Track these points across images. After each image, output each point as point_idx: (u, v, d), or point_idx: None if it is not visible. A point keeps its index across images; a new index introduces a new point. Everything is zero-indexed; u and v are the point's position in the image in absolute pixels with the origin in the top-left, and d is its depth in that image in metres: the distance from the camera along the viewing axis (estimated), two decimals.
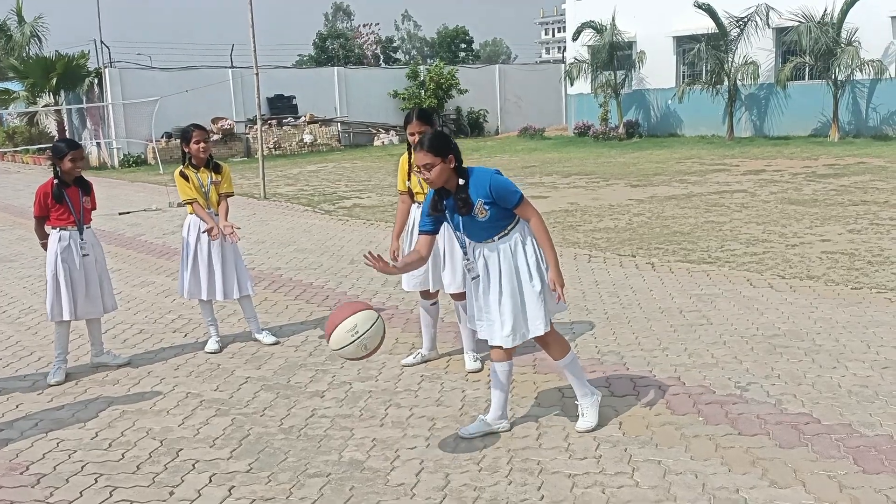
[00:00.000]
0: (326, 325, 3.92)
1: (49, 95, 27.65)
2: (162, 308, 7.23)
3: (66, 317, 5.43)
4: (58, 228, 5.45)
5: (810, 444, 3.92)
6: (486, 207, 3.90)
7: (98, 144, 27.31)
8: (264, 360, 5.66)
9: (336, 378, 5.21)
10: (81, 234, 5.47)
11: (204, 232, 5.82)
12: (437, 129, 4.93)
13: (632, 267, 7.90)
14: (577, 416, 4.27)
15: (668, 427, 4.21)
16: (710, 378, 4.86)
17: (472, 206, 3.90)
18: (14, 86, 29.93)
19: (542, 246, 4.00)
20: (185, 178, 5.82)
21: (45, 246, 5.53)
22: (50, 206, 5.40)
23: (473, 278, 4.09)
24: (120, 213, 13.91)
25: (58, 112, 28.12)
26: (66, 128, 28.67)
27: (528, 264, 3.99)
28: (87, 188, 5.56)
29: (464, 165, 3.99)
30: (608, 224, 10.45)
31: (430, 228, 4.09)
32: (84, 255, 5.46)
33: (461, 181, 3.93)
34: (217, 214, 5.87)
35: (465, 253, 4.11)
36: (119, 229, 12.23)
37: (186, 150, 5.81)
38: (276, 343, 5.97)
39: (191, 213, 5.88)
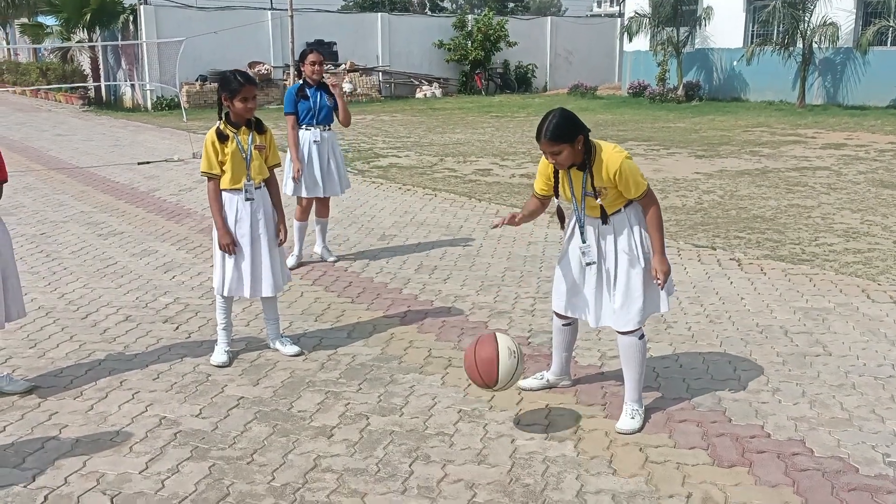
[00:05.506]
0: (480, 370, 3.65)
1: (83, 31, 26.66)
2: (158, 288, 6.16)
3: None
4: None
5: None
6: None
7: (132, 86, 26.37)
8: (264, 371, 4.56)
9: (350, 408, 4.08)
10: None
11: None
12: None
13: (713, 263, 6.64)
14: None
15: None
16: (847, 444, 3.62)
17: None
18: (49, 20, 29.02)
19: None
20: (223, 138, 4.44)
21: None
22: None
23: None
24: (139, 163, 12.90)
25: (92, 49, 27.17)
26: (101, 66, 27.75)
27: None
28: None
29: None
30: (675, 202, 9.16)
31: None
32: None
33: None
34: (259, 187, 4.56)
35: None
36: (134, 182, 11.20)
37: (227, 104, 4.41)
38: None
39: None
